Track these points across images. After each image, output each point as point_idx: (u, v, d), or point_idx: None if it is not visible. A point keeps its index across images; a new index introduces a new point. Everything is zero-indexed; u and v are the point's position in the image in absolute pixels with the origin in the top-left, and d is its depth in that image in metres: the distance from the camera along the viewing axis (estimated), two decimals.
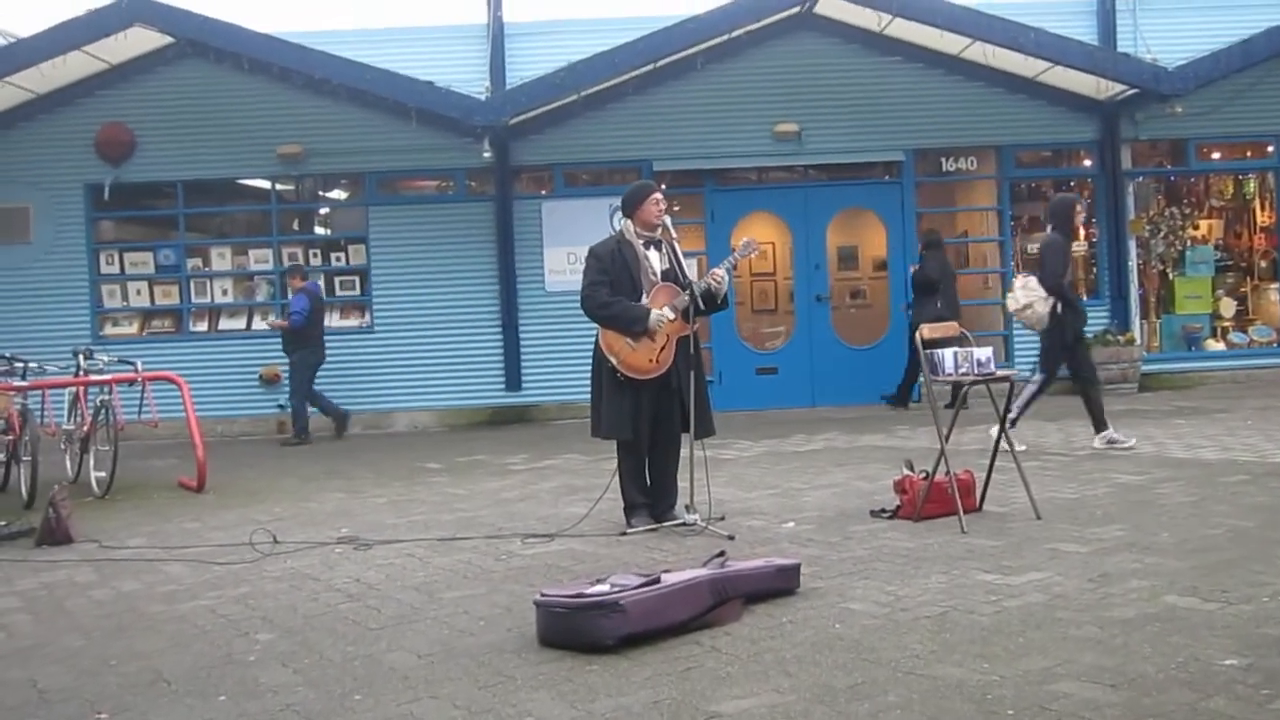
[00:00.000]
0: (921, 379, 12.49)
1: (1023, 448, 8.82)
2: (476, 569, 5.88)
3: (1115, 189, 14.03)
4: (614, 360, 6.58)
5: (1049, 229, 9.60)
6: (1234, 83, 13.54)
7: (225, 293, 14.22)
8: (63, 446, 10.03)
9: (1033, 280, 9.11)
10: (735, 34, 13.27)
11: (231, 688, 4.21)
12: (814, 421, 12.25)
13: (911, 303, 13.20)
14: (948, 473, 6.47)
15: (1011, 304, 9.28)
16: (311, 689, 4.15)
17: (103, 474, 9.04)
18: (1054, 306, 8.95)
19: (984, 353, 6.60)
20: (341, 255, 14.21)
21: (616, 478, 6.83)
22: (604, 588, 4.50)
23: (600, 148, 14.03)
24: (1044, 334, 9.18)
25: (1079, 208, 9.37)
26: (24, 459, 8.95)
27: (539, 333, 13.81)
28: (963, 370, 6.53)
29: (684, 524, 6.53)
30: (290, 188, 14.56)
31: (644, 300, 6.64)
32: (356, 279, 14.16)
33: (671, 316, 6.57)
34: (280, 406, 13.36)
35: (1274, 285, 14.68)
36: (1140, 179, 14.57)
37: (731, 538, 6.22)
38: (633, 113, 13.89)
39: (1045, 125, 14.15)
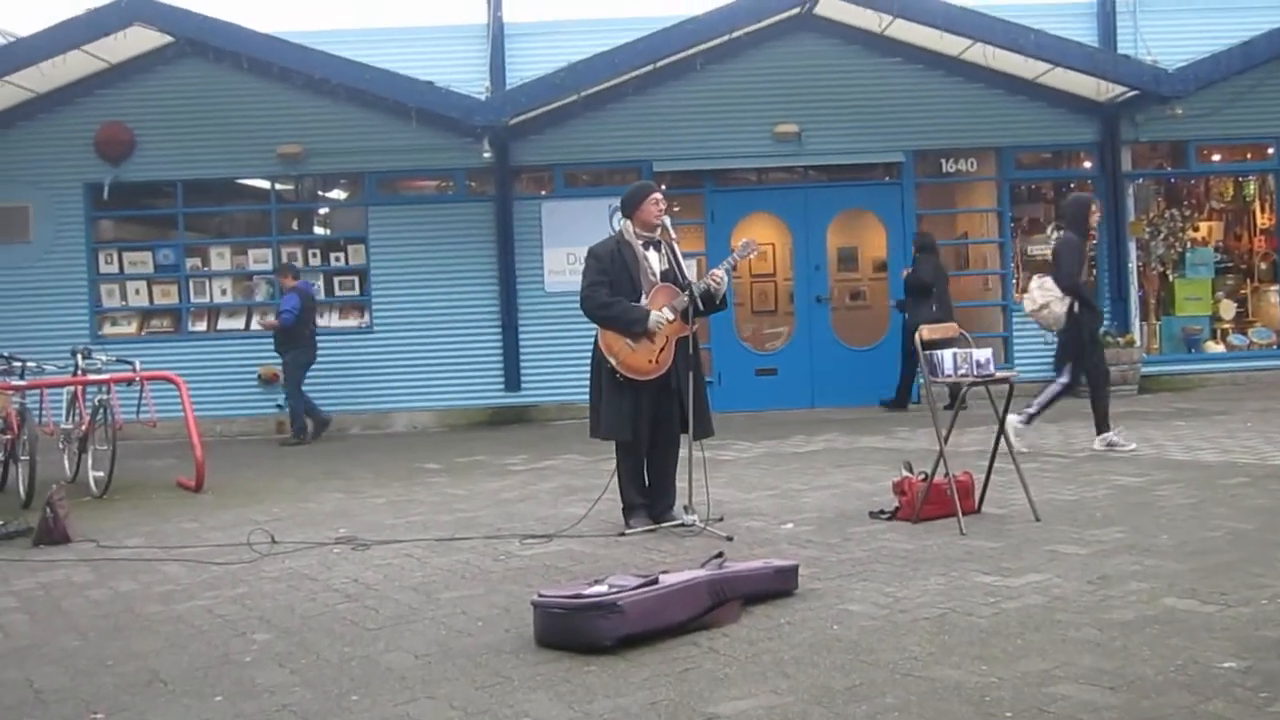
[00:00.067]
0: (919, 380, 12.70)
1: (1025, 449, 8.84)
2: (475, 569, 5.87)
3: (1115, 191, 14.01)
4: (613, 361, 6.57)
5: (1063, 228, 9.55)
6: (1234, 84, 13.54)
7: (224, 292, 14.21)
8: (61, 446, 10.02)
9: (1048, 280, 9.05)
10: (735, 35, 13.27)
11: (228, 688, 4.20)
12: (813, 423, 12.24)
13: (903, 302, 13.19)
14: (947, 474, 6.46)
15: (1028, 304, 9.18)
16: (308, 689, 4.14)
17: (101, 474, 9.03)
18: (1070, 306, 8.91)
19: (983, 354, 6.59)
20: (341, 255, 14.20)
21: (615, 478, 6.83)
22: (602, 588, 4.49)
23: (600, 148, 14.02)
24: (1061, 334, 9.14)
25: (1094, 207, 9.31)
26: (22, 458, 8.94)
27: (538, 333, 13.80)
28: (962, 371, 6.52)
29: (682, 525, 6.52)
30: (290, 187, 14.55)
31: (643, 301, 6.64)
32: (356, 279, 14.15)
33: (671, 317, 6.56)
34: (279, 406, 13.35)
35: (1274, 287, 14.68)
36: (1140, 181, 14.57)
37: (730, 539, 6.21)
38: (633, 113, 13.88)
39: (1045, 127, 14.14)
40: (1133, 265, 14.21)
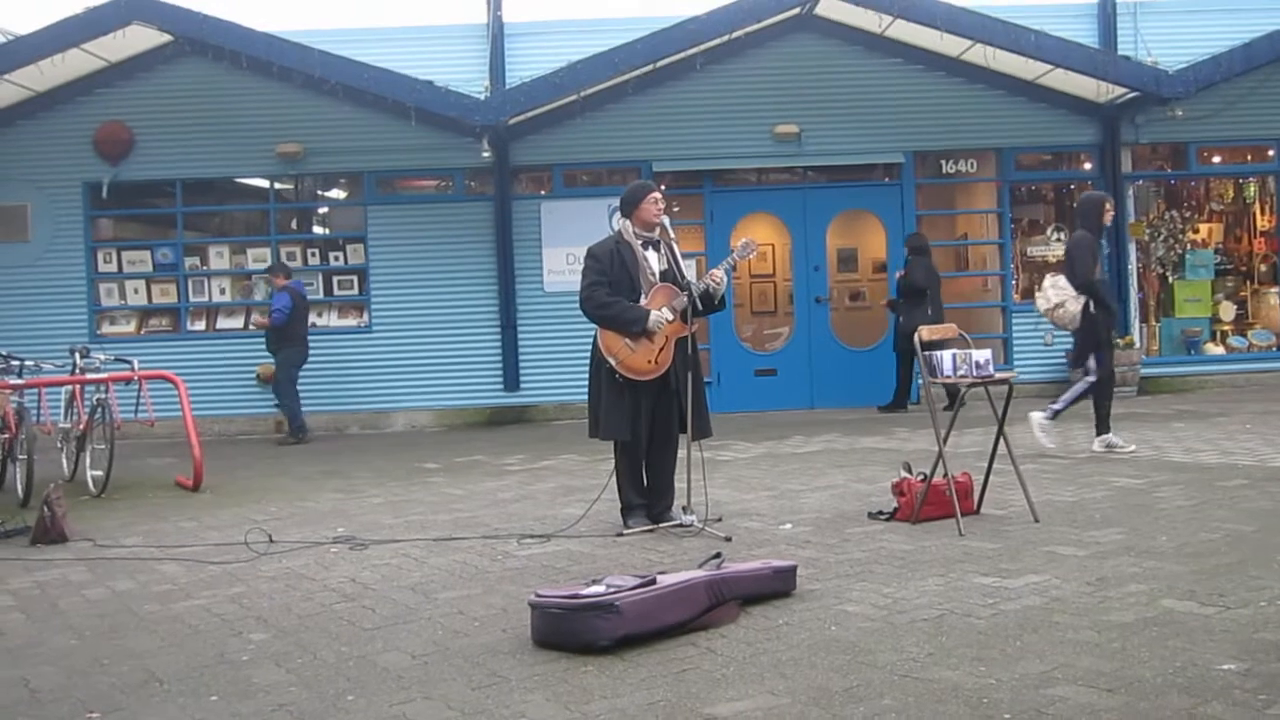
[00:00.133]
0: (917, 380, 12.69)
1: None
2: (472, 569, 5.86)
3: (1115, 192, 13.95)
4: (613, 361, 6.56)
5: (1075, 227, 9.49)
6: (1235, 86, 13.54)
7: (223, 292, 14.19)
8: (59, 445, 10.02)
9: (1062, 279, 9.01)
10: (735, 35, 13.25)
11: (224, 688, 4.19)
12: (813, 423, 12.23)
13: (894, 301, 13.18)
14: (946, 475, 6.45)
15: (1042, 303, 9.11)
16: (305, 689, 4.13)
17: (99, 473, 9.02)
18: (1086, 305, 8.88)
19: (983, 355, 6.58)
20: (340, 255, 14.18)
21: (613, 479, 6.82)
22: (599, 589, 4.48)
23: (600, 148, 14.02)
24: (1076, 333, 9.09)
25: (1108, 205, 9.28)
26: (20, 457, 8.93)
27: (537, 333, 13.79)
28: (961, 372, 6.51)
29: (681, 525, 6.51)
30: (289, 187, 14.55)
31: (643, 301, 6.63)
32: (355, 278, 14.14)
33: (670, 317, 6.55)
34: (276, 407, 13.33)
35: (1274, 289, 14.68)
36: (1140, 182, 14.56)
37: (728, 539, 6.21)
38: (632, 113, 13.87)
39: (1045, 128, 14.14)
40: (1132, 267, 14.20)
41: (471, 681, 4.12)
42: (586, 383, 6.83)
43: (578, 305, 6.77)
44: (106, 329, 13.99)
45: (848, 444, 10.39)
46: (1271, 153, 14.59)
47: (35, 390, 9.84)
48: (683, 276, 6.74)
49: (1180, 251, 14.41)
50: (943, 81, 13.98)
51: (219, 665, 4.47)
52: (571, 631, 4.37)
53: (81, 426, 9.45)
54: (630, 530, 6.55)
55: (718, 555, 5.21)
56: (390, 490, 8.82)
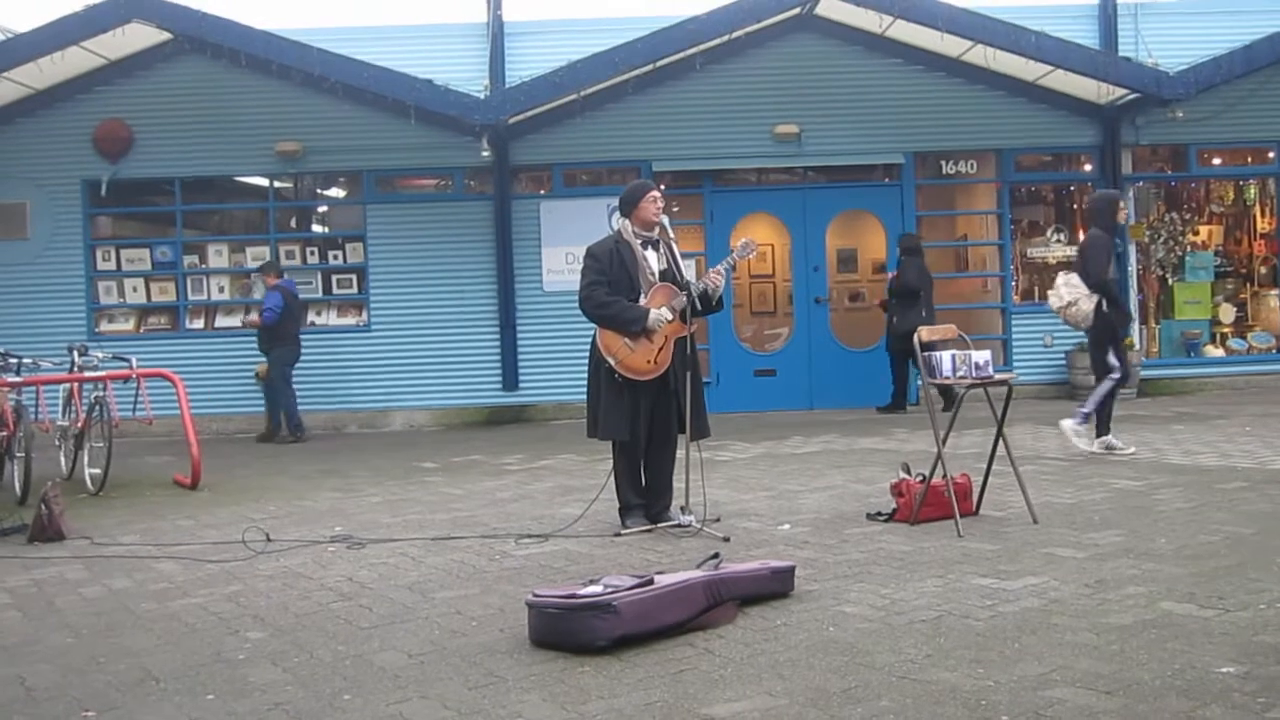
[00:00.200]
0: (916, 382, 12.70)
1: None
2: (470, 569, 5.85)
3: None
4: (612, 361, 6.55)
5: (1090, 226, 9.45)
6: (1236, 88, 13.52)
7: (222, 290, 14.18)
8: (57, 443, 10.00)
9: (1075, 277, 8.96)
10: (735, 35, 13.24)
11: (220, 686, 4.18)
12: (812, 424, 12.22)
13: (886, 302, 13.17)
14: (945, 476, 6.44)
15: (1054, 301, 9.07)
16: (301, 688, 4.12)
17: (97, 471, 9.01)
18: (1099, 304, 8.84)
19: (982, 355, 6.57)
20: (339, 253, 14.18)
21: (612, 478, 6.80)
22: (597, 589, 4.47)
23: (599, 148, 14.01)
24: (1089, 332, 9.06)
25: (1122, 204, 9.24)
26: (17, 455, 8.91)
27: (536, 333, 13.78)
28: (960, 373, 6.50)
29: (679, 525, 6.50)
30: (288, 185, 14.54)
31: (642, 300, 6.62)
32: (354, 277, 14.12)
33: (670, 317, 6.54)
34: (266, 406, 13.30)
35: (1274, 291, 14.67)
36: (1140, 184, 14.55)
37: (727, 539, 6.19)
38: (632, 113, 13.86)
39: (1046, 129, 14.13)
40: (1132, 268, 14.18)
41: (468, 681, 4.10)
42: (585, 382, 6.82)
43: (577, 305, 6.76)
44: (105, 327, 13.97)
45: (846, 445, 10.38)
46: (1272, 155, 14.58)
47: (33, 388, 9.83)
48: (682, 276, 6.73)
49: (1180, 253, 14.40)
50: (943, 82, 13.97)
51: (215, 664, 4.45)
52: (569, 631, 4.36)
53: (79, 424, 9.44)
54: (628, 530, 6.54)
55: (716, 555, 5.21)
56: (388, 489, 8.81)
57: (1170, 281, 14.48)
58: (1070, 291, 8.89)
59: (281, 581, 5.76)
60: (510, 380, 13.82)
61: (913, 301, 12.65)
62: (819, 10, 13.52)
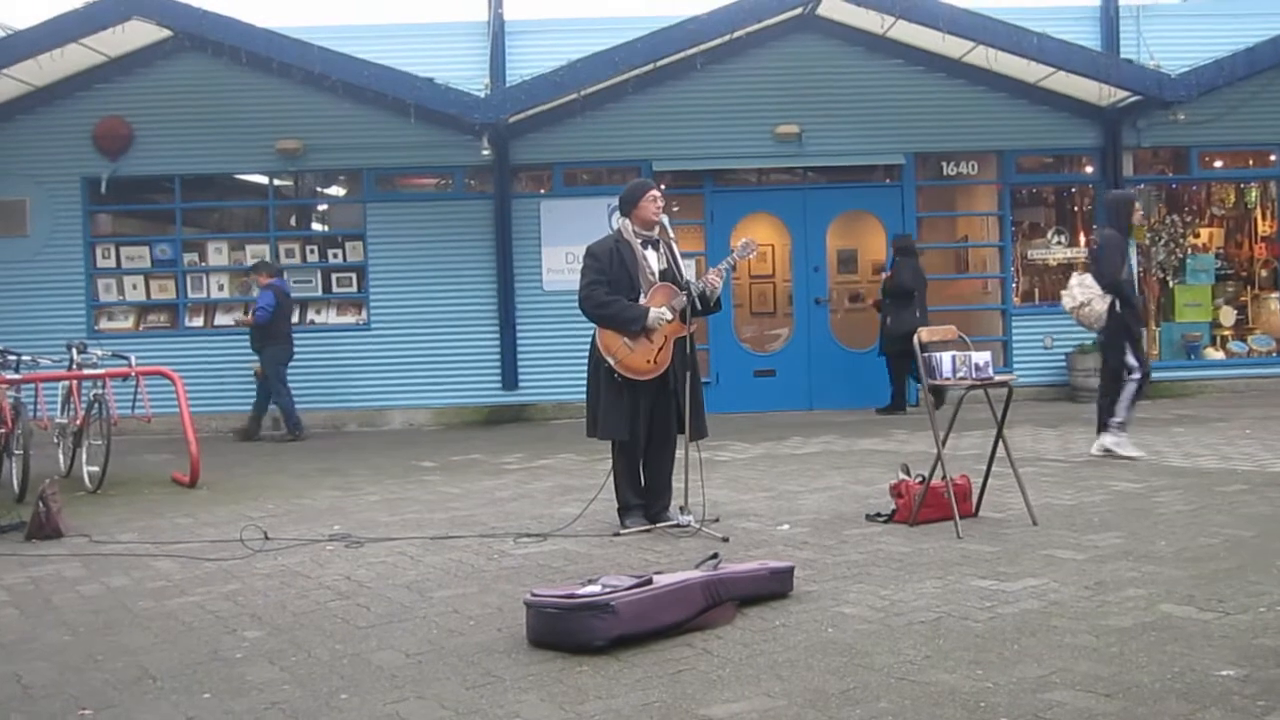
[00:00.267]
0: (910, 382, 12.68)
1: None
2: (468, 568, 5.84)
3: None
4: (611, 360, 6.54)
5: (1104, 225, 9.40)
6: (1237, 91, 13.51)
7: (221, 288, 14.17)
8: (56, 440, 9.99)
9: (1089, 277, 8.90)
10: (737, 35, 13.23)
11: (217, 685, 4.17)
12: (811, 424, 12.20)
13: (880, 302, 13.16)
14: (944, 477, 6.43)
15: (1068, 301, 8.99)
16: (298, 687, 4.11)
17: (95, 468, 9.00)
18: (1112, 305, 8.79)
19: (982, 357, 6.56)
20: (339, 252, 14.16)
21: (611, 478, 6.79)
22: (595, 588, 4.46)
23: (600, 147, 13.99)
24: (1103, 334, 9.02)
25: (1137, 204, 9.17)
26: (15, 452, 8.89)
27: (536, 332, 13.77)
28: (960, 374, 6.49)
29: (678, 526, 6.50)
30: (288, 183, 14.52)
31: (642, 300, 6.61)
32: (353, 276, 14.11)
33: (670, 316, 6.53)
34: (273, 404, 13.30)
35: (1274, 294, 14.65)
36: (1141, 186, 14.53)
37: (726, 540, 6.18)
38: (633, 112, 13.85)
39: (1047, 131, 14.12)
40: (1133, 270, 14.16)
41: (466, 681, 4.09)
42: (585, 382, 6.81)
43: (577, 304, 6.75)
44: (104, 325, 13.96)
45: (846, 445, 10.37)
46: (1273, 158, 14.57)
47: (32, 385, 9.82)
48: (682, 275, 6.71)
49: (1181, 256, 14.38)
50: (944, 83, 13.96)
51: (212, 662, 4.44)
52: (567, 631, 4.35)
53: (78, 422, 9.43)
54: (627, 530, 6.53)
55: (715, 556, 5.20)
56: (387, 488, 8.80)
57: (1171, 284, 14.47)
58: (1084, 292, 8.83)
59: (279, 580, 5.75)
60: (510, 379, 13.81)
61: (906, 302, 12.65)
62: (820, 10, 13.51)
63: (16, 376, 9.39)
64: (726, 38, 13.21)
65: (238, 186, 14.62)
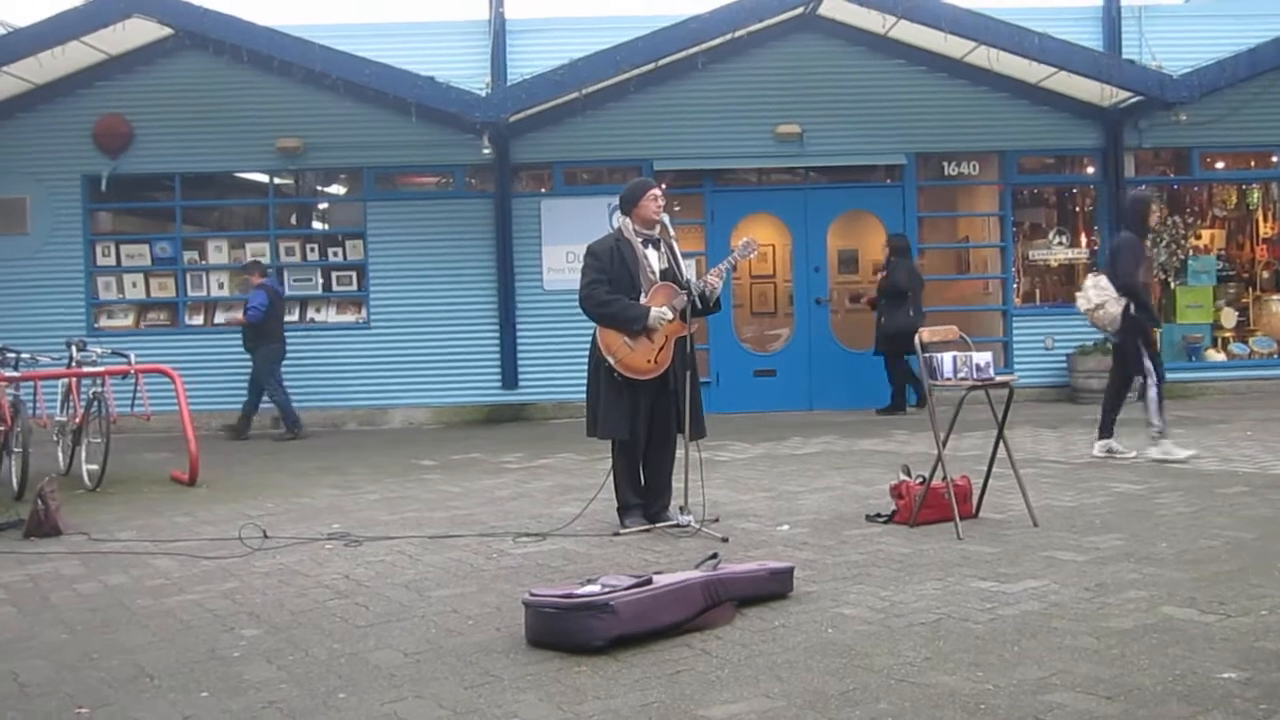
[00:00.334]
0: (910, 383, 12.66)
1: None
2: (467, 567, 5.83)
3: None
4: (612, 360, 6.53)
5: (1121, 227, 9.33)
6: (1239, 92, 13.49)
7: (221, 286, 14.15)
8: (55, 438, 9.98)
9: (1104, 279, 8.85)
10: (738, 34, 13.21)
11: (214, 684, 4.16)
12: (811, 425, 12.19)
13: (874, 301, 13.14)
14: (945, 478, 6.42)
15: (1082, 303, 8.94)
16: (295, 686, 4.09)
17: (94, 466, 8.99)
18: (1126, 307, 8.73)
19: (983, 357, 6.55)
20: (339, 250, 14.15)
21: (611, 478, 6.78)
22: (594, 588, 4.45)
23: (600, 146, 13.98)
24: (1118, 336, 8.96)
25: (1154, 206, 9.11)
26: (15, 450, 8.87)
27: (536, 331, 13.75)
28: (961, 375, 6.48)
29: (678, 525, 6.48)
30: (289, 182, 14.51)
31: (643, 299, 6.59)
32: (354, 274, 14.09)
33: (670, 316, 6.52)
34: (270, 403, 13.28)
35: (1275, 296, 14.64)
36: (1143, 187, 14.49)
37: (725, 540, 6.17)
38: (633, 112, 13.83)
39: (1048, 131, 14.10)
40: None
41: (464, 680, 4.08)
42: (585, 381, 6.80)
43: (577, 303, 6.74)
44: (104, 322, 13.94)
45: (846, 446, 10.35)
46: (1275, 159, 14.55)
47: (31, 383, 9.81)
48: (682, 275, 6.70)
49: (1182, 257, 14.36)
50: (946, 83, 13.94)
51: (210, 661, 4.43)
52: (566, 631, 4.33)
53: (77, 420, 9.42)
54: (627, 530, 6.52)
55: (714, 556, 5.18)
56: (386, 487, 8.79)
57: (1172, 285, 14.44)
58: (1099, 294, 8.78)
59: (278, 579, 5.74)
60: (510, 379, 13.80)
61: (901, 302, 12.64)
62: (822, 10, 13.49)
63: (16, 374, 9.38)
64: (728, 37, 13.19)
65: (238, 185, 14.60)
